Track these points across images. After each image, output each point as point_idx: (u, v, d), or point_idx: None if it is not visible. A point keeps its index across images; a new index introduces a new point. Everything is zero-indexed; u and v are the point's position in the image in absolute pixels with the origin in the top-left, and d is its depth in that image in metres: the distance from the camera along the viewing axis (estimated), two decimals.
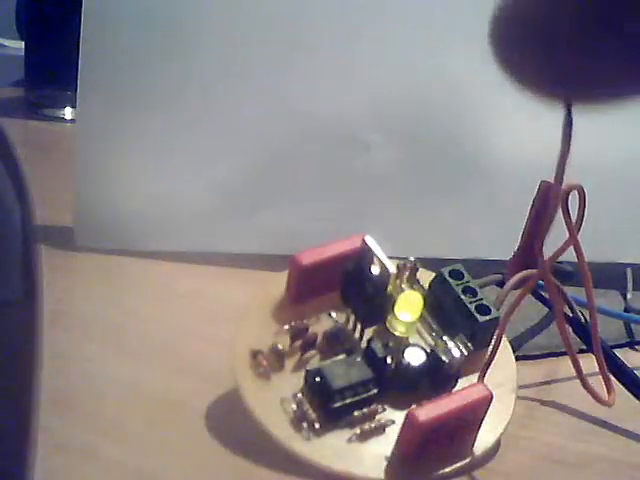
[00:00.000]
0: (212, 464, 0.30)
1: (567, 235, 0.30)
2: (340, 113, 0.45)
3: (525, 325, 0.41)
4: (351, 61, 0.44)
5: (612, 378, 0.35)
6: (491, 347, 0.33)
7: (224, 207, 0.45)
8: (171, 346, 0.36)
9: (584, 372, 0.34)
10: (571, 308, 0.37)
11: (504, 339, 0.33)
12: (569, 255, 0.32)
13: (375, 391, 0.31)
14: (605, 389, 0.34)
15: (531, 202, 0.39)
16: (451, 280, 0.33)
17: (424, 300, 0.32)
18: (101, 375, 0.34)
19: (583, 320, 0.37)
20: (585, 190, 0.30)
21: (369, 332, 0.32)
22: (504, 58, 0.16)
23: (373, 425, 0.31)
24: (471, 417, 0.31)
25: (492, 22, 0.15)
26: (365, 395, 0.31)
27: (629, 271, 0.47)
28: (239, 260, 0.44)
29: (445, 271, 0.33)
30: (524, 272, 0.36)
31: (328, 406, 0.30)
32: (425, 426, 0.29)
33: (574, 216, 0.30)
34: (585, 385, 0.34)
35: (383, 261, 0.32)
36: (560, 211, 0.29)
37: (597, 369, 0.35)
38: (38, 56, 0.65)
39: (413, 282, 0.34)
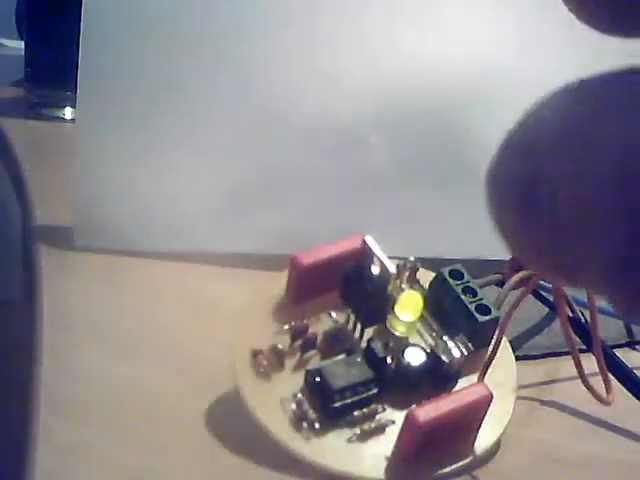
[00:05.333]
0: (212, 464, 0.30)
1: None
2: (340, 113, 0.45)
3: (525, 325, 0.41)
4: (352, 61, 0.44)
5: (612, 378, 0.35)
6: (491, 347, 0.33)
7: (224, 207, 0.45)
8: (171, 346, 0.36)
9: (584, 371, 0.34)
10: (571, 308, 0.37)
11: (504, 339, 0.33)
12: None
13: (375, 391, 0.31)
14: (604, 388, 0.34)
15: None
16: (451, 280, 0.33)
17: (424, 300, 0.32)
18: (101, 375, 0.34)
19: (583, 320, 0.37)
20: None
21: (369, 332, 0.32)
22: None
23: (373, 425, 0.31)
24: (471, 417, 0.31)
25: None
26: (365, 395, 0.31)
27: None
28: (239, 260, 0.44)
29: (445, 271, 0.33)
30: (524, 272, 0.36)
31: (328, 406, 0.30)
32: (425, 426, 0.29)
33: None
34: (585, 383, 0.34)
35: (383, 261, 0.32)
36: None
37: (596, 369, 0.35)
38: (38, 56, 0.65)
39: (413, 282, 0.34)
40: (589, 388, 0.34)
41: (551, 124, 0.11)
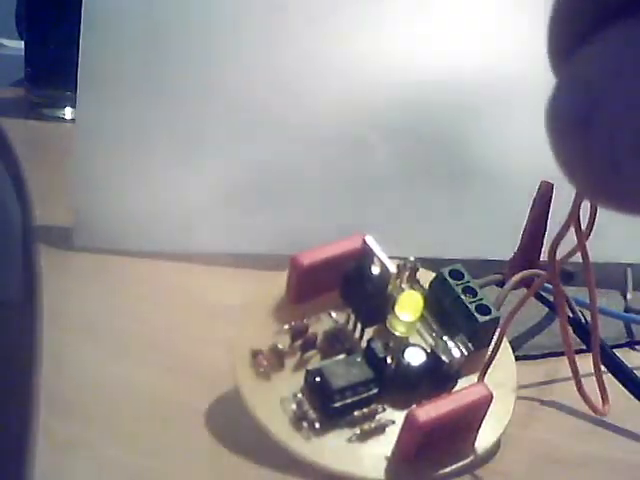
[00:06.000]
0: (212, 464, 0.30)
1: (575, 239, 0.30)
2: (340, 113, 0.45)
3: (525, 325, 0.41)
4: (351, 60, 0.44)
5: (608, 386, 0.35)
6: (491, 347, 0.33)
7: (224, 207, 0.45)
8: (171, 346, 0.36)
9: (584, 372, 0.34)
10: (571, 309, 0.37)
11: (504, 339, 0.33)
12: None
13: (375, 391, 0.31)
14: (600, 398, 0.34)
15: (531, 202, 0.39)
16: (451, 280, 0.33)
17: (424, 300, 0.32)
18: (100, 375, 0.34)
19: (583, 320, 0.37)
20: None
21: (369, 332, 0.32)
22: None
23: (373, 425, 0.31)
24: (471, 417, 0.31)
25: None
26: (365, 395, 0.31)
27: (629, 271, 0.47)
28: (239, 260, 0.44)
29: (445, 271, 0.33)
30: (524, 272, 0.36)
31: (328, 406, 0.30)
32: (425, 426, 0.29)
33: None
34: (581, 392, 0.34)
35: (383, 261, 0.32)
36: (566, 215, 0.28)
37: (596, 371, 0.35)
38: (38, 56, 0.65)
39: (413, 282, 0.34)
40: (584, 397, 0.34)
41: (603, 60, 0.12)
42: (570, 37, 0.13)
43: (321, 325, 0.33)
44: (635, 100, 0.11)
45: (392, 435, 0.30)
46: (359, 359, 0.31)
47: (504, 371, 0.33)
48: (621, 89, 0.11)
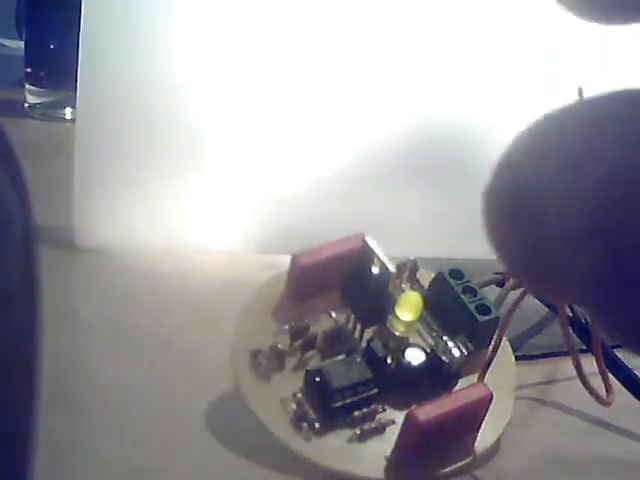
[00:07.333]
0: (212, 464, 0.30)
1: None
2: (340, 113, 0.45)
3: (525, 325, 0.41)
4: (352, 60, 0.44)
5: (611, 377, 0.35)
6: (491, 347, 0.33)
7: (223, 207, 0.45)
8: (171, 346, 0.36)
9: (584, 372, 0.34)
10: (571, 308, 0.37)
11: (504, 339, 0.33)
12: None
13: (375, 391, 0.31)
14: (604, 388, 0.34)
15: None
16: (451, 280, 0.33)
17: (424, 300, 0.32)
18: (101, 375, 0.34)
19: (583, 320, 0.37)
20: None
21: (369, 332, 0.32)
22: None
23: (373, 425, 0.31)
24: (471, 417, 0.31)
25: None
26: (365, 395, 0.31)
27: None
28: (239, 260, 0.44)
29: (445, 271, 0.33)
30: None
31: (328, 406, 0.30)
32: (425, 426, 0.29)
33: None
34: (585, 383, 0.34)
35: (383, 261, 0.32)
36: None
37: (596, 369, 0.35)
38: (38, 56, 0.65)
39: (413, 282, 0.34)
40: (588, 388, 0.34)
41: (536, 145, 0.11)
42: None
43: (321, 325, 0.33)
44: (562, 185, 0.11)
45: (392, 435, 0.30)
46: (359, 359, 0.31)
47: (504, 371, 0.33)
48: (546, 171, 0.11)
